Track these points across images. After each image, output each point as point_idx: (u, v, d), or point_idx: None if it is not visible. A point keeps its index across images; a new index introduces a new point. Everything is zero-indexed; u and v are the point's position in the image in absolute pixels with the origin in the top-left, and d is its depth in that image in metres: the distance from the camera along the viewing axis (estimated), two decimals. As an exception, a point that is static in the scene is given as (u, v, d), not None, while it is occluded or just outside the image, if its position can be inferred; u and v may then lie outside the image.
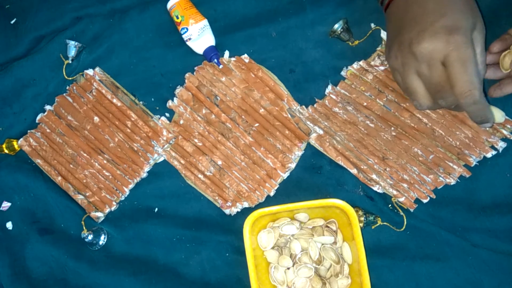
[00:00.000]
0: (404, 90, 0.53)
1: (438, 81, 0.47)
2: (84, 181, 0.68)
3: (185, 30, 0.65)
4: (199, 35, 0.65)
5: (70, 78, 0.70)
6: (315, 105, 0.65)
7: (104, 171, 0.68)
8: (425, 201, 0.61)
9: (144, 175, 0.67)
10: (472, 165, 0.60)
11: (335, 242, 0.60)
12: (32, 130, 0.70)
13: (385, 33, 0.63)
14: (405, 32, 0.49)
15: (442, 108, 0.53)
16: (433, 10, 0.47)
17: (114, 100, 0.68)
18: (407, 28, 0.49)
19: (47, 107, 0.70)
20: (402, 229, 0.61)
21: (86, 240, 0.65)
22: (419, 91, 0.49)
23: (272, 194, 0.64)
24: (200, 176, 0.66)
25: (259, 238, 0.61)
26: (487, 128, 0.59)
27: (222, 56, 0.67)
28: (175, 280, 0.65)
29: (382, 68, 0.63)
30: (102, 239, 0.67)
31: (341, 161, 0.62)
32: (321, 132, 0.64)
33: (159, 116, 0.68)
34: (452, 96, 0.47)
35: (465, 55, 0.44)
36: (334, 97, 0.64)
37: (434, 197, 0.61)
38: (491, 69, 0.56)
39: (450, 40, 0.45)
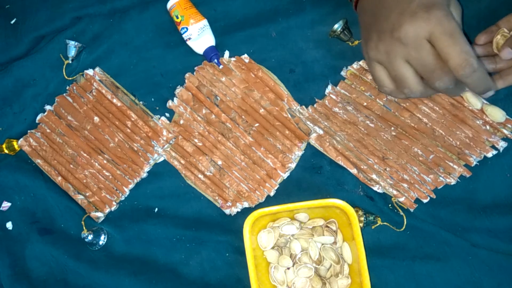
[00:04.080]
0: (381, 81, 0.51)
1: (430, 61, 0.45)
2: (84, 181, 0.68)
3: (185, 29, 0.65)
4: (199, 35, 0.65)
5: (70, 78, 0.70)
6: (315, 105, 0.65)
7: (104, 171, 0.68)
8: (425, 201, 0.61)
9: (144, 175, 0.67)
10: (473, 165, 0.60)
11: (335, 242, 0.60)
12: (32, 130, 0.70)
13: None
14: (382, 20, 0.47)
15: (435, 92, 0.50)
16: None
17: (114, 100, 0.68)
18: (383, 16, 0.47)
19: (47, 107, 0.70)
20: (402, 229, 0.61)
21: (86, 240, 0.65)
22: (409, 76, 0.47)
23: (272, 194, 0.64)
24: (200, 176, 0.66)
25: (259, 238, 0.61)
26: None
27: (222, 56, 0.67)
28: (175, 280, 0.65)
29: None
30: (102, 239, 0.67)
31: (341, 161, 0.62)
32: (321, 132, 0.64)
33: (159, 116, 0.68)
34: (449, 74, 0.45)
35: (450, 27, 0.43)
36: (334, 97, 0.64)
37: (434, 197, 0.61)
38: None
39: (430, 17, 0.43)
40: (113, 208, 0.68)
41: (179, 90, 0.67)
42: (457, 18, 0.47)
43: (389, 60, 0.48)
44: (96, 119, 0.68)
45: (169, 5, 0.66)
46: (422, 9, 0.44)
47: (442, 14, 0.43)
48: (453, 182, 0.60)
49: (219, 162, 0.66)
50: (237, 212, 0.65)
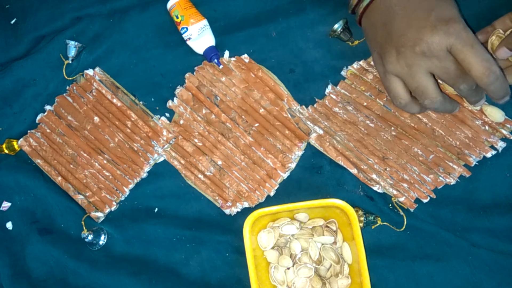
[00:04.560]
0: (397, 93, 0.52)
1: (453, 69, 0.47)
2: (84, 181, 0.68)
3: (185, 29, 0.65)
4: (199, 34, 0.65)
5: (70, 78, 0.70)
6: (315, 105, 0.65)
7: (104, 171, 0.68)
8: (425, 201, 0.61)
9: (144, 175, 0.67)
10: (472, 165, 0.60)
11: (335, 242, 0.60)
12: (32, 130, 0.70)
13: None
14: (399, 35, 0.49)
15: (452, 106, 0.53)
16: (420, 7, 0.48)
17: (114, 100, 0.68)
18: (399, 31, 0.49)
19: (47, 107, 0.70)
20: (402, 229, 0.61)
21: (86, 240, 0.65)
22: (431, 87, 0.49)
23: (272, 194, 0.64)
24: (200, 176, 0.66)
25: (259, 238, 0.61)
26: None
27: (222, 56, 0.67)
28: (175, 280, 0.65)
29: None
30: (102, 239, 0.67)
31: (341, 161, 0.62)
32: (321, 132, 0.64)
33: (159, 116, 0.68)
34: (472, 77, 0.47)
35: (469, 39, 0.45)
36: (334, 97, 0.64)
37: (434, 197, 0.61)
38: None
39: (450, 30, 0.45)
40: (113, 208, 0.68)
41: (179, 90, 0.67)
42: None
43: (411, 73, 0.49)
44: (96, 119, 0.68)
45: (169, 5, 0.66)
46: (441, 23, 0.46)
47: (460, 27, 0.46)
48: (453, 182, 0.60)
49: (219, 162, 0.66)
50: (237, 212, 0.65)
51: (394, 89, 0.52)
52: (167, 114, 0.68)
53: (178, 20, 0.66)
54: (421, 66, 0.48)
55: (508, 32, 0.54)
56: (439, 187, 0.61)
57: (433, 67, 0.48)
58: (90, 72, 0.69)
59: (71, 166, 0.68)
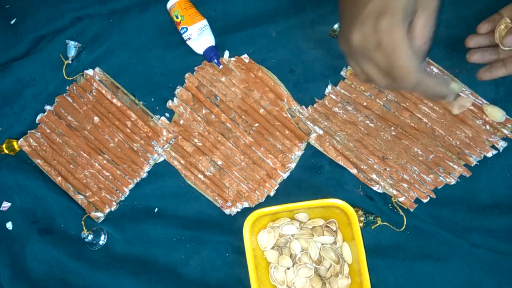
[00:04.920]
0: (356, 72, 0.51)
1: (385, 65, 0.44)
2: (84, 181, 0.68)
3: (185, 29, 0.65)
4: (198, 34, 0.65)
5: (70, 78, 0.70)
6: (315, 105, 0.65)
7: (104, 171, 0.68)
8: (425, 201, 0.61)
9: (144, 175, 0.67)
10: (473, 165, 0.60)
11: (335, 242, 0.60)
12: (32, 130, 0.70)
13: None
14: (342, 19, 0.47)
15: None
16: None
17: (114, 100, 0.68)
18: (343, 15, 0.47)
19: (47, 107, 0.70)
20: (402, 229, 0.61)
21: (86, 240, 0.65)
22: (372, 73, 0.47)
23: (272, 194, 0.64)
24: (200, 176, 0.66)
25: (259, 238, 0.61)
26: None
27: (222, 56, 0.67)
28: (175, 280, 0.65)
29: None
30: (102, 239, 0.67)
31: (341, 161, 0.62)
32: (321, 132, 0.64)
33: (159, 116, 0.68)
34: None
35: (394, 40, 0.42)
36: (334, 97, 0.64)
37: (434, 197, 0.61)
38: (481, 52, 0.54)
39: (377, 26, 0.42)
40: (113, 208, 0.68)
41: (179, 90, 0.67)
42: (425, 12, 0.44)
43: (352, 57, 0.48)
44: (96, 119, 0.68)
45: (169, 5, 0.67)
46: (371, 17, 0.43)
47: (389, 24, 0.42)
48: (453, 182, 0.60)
49: (219, 162, 0.66)
50: (237, 212, 0.65)
51: (352, 67, 0.50)
52: (167, 114, 0.68)
53: (178, 20, 0.66)
54: (358, 55, 0.46)
55: None
56: (439, 187, 0.61)
57: (366, 57, 0.45)
58: (90, 72, 0.69)
59: (71, 166, 0.68)
